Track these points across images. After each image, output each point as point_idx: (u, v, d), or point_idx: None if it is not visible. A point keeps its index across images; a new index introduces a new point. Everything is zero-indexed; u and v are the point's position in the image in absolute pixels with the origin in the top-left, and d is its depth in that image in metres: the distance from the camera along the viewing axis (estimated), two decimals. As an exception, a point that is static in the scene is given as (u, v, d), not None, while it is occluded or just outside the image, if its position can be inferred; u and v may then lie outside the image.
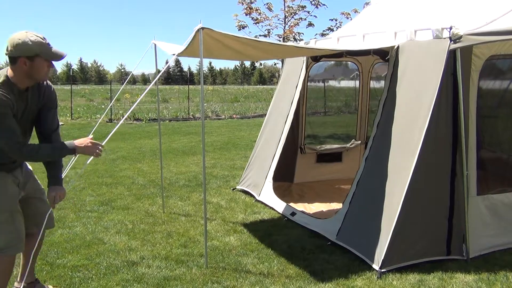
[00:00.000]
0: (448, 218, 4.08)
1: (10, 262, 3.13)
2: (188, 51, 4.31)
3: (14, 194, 3.16)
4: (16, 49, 2.80)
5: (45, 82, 3.12)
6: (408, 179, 3.84)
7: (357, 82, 7.09)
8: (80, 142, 3.07)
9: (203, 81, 4.11)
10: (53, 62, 2.95)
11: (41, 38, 2.86)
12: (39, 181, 3.41)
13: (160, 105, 7.03)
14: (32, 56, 2.82)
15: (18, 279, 3.53)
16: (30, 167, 3.37)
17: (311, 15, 14.87)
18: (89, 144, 3.06)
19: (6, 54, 2.89)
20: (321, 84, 8.55)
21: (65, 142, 3.07)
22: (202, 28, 3.70)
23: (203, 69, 4.50)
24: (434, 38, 3.97)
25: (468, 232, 4.07)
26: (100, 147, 3.11)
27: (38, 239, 3.29)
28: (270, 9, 14.67)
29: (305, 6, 14.72)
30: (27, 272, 3.40)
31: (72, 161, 3.85)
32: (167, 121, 18.48)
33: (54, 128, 3.34)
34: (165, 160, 9.00)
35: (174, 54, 4.53)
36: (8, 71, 2.90)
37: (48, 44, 2.88)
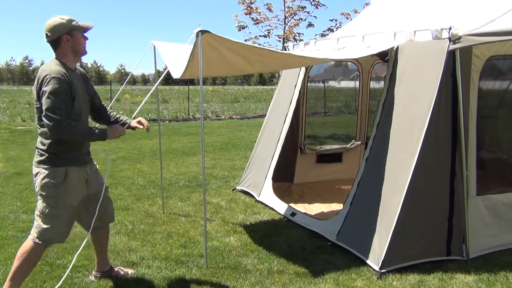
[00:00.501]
0: (448, 218, 4.08)
1: (42, 251, 3.38)
2: (188, 72, 4.26)
3: (80, 192, 3.39)
4: (55, 31, 3.19)
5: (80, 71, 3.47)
6: (408, 180, 3.85)
7: (357, 82, 7.09)
8: (110, 132, 3.38)
9: (203, 81, 4.11)
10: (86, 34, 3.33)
11: (69, 17, 3.25)
12: (102, 177, 3.68)
13: (160, 106, 7.03)
14: (70, 31, 3.22)
15: (96, 269, 3.85)
16: (96, 166, 3.64)
17: (311, 16, 14.89)
18: (115, 132, 3.40)
19: (47, 41, 3.24)
20: (321, 84, 8.55)
21: (98, 131, 3.33)
22: (202, 31, 3.67)
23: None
24: (434, 38, 3.97)
25: (468, 233, 4.07)
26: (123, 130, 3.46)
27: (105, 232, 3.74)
28: (270, 10, 14.68)
29: (305, 7, 14.73)
30: (102, 262, 3.82)
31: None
32: (167, 121, 18.48)
33: (102, 106, 3.73)
34: (165, 160, 9.00)
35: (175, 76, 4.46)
36: (55, 58, 3.25)
37: (76, 20, 3.27)
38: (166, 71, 4.57)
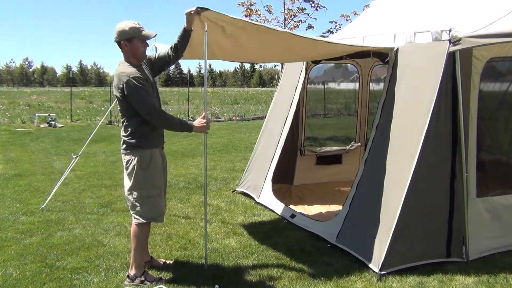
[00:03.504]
0: (448, 220, 4.07)
1: (149, 228, 3.86)
2: (190, 52, 4.18)
3: (162, 172, 3.84)
4: (117, 36, 3.58)
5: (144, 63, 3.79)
6: (407, 181, 3.84)
7: (357, 84, 7.09)
8: (196, 123, 3.80)
9: (202, 82, 4.12)
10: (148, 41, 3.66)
11: (135, 24, 3.58)
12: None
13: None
14: (129, 38, 3.57)
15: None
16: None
17: (310, 18, 14.93)
18: (203, 124, 3.80)
19: (115, 41, 3.64)
20: (320, 86, 8.55)
21: (186, 123, 3.78)
22: (200, 8, 3.62)
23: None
24: (434, 40, 3.97)
25: (468, 234, 4.07)
26: (209, 126, 3.87)
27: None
28: (270, 11, 14.71)
29: (304, 9, 14.77)
30: (146, 252, 4.03)
31: (72, 163, 3.86)
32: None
33: (166, 59, 3.98)
34: (165, 162, 9.00)
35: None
36: (123, 60, 3.64)
37: (141, 28, 3.59)
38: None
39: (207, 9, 3.64)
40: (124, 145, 3.66)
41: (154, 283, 3.72)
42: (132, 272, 3.75)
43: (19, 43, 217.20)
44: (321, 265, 4.11)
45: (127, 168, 3.66)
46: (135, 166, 3.62)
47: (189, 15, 3.70)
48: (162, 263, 4.11)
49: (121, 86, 3.47)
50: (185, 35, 3.80)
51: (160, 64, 3.94)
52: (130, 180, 3.65)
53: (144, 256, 3.94)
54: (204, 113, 3.86)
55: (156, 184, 3.72)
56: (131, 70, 3.51)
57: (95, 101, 34.22)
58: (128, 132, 3.62)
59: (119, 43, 3.60)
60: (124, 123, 3.66)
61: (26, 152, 10.56)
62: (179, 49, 3.86)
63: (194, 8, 3.66)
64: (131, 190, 3.67)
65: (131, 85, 3.44)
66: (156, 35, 3.66)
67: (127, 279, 3.75)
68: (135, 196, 3.67)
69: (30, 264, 4.11)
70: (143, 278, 3.72)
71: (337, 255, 4.29)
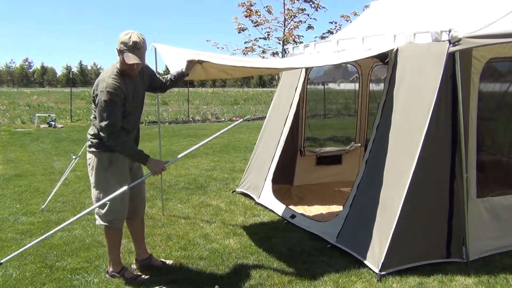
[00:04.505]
0: (448, 220, 4.07)
1: (115, 231, 3.82)
2: (195, 75, 4.45)
3: (127, 177, 3.78)
4: (117, 43, 3.49)
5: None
6: (407, 182, 3.84)
7: (357, 84, 7.09)
8: (152, 162, 3.71)
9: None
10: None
11: (132, 40, 3.44)
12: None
13: (159, 108, 7.03)
14: (119, 50, 3.49)
15: (135, 258, 4.15)
16: None
17: (310, 18, 14.93)
18: (160, 167, 3.73)
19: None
20: (320, 86, 8.55)
21: (145, 154, 3.68)
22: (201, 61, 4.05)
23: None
24: (433, 40, 3.97)
25: (468, 235, 4.07)
26: (165, 169, 3.79)
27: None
28: (270, 12, 14.71)
29: (304, 9, 14.77)
30: (139, 250, 4.12)
31: (72, 163, 3.86)
32: (167, 123, 18.49)
33: (163, 82, 4.14)
34: (165, 162, 8.99)
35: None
36: (116, 64, 3.58)
37: (133, 47, 3.44)
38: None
39: (207, 61, 4.10)
40: (89, 143, 3.71)
41: (132, 280, 3.79)
42: (110, 268, 3.89)
43: (19, 43, 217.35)
44: (321, 266, 4.11)
45: (88, 166, 3.74)
46: (94, 166, 3.67)
47: (190, 63, 4.10)
48: (161, 262, 4.14)
49: (96, 92, 3.51)
50: (181, 77, 4.17)
51: (157, 85, 4.10)
52: (91, 179, 3.73)
53: (142, 254, 4.11)
54: (166, 164, 3.83)
55: (115, 187, 3.64)
56: (112, 82, 3.46)
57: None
58: (93, 132, 3.66)
59: (116, 50, 3.56)
60: (92, 122, 3.69)
61: (26, 152, 10.56)
62: (172, 84, 4.16)
63: (196, 59, 4.07)
64: (91, 189, 3.75)
65: (103, 97, 3.43)
66: (139, 63, 3.50)
67: (107, 274, 3.89)
68: (93, 196, 3.75)
69: (30, 265, 4.11)
70: (119, 276, 3.86)
71: (337, 256, 4.29)
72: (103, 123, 3.45)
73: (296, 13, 14.72)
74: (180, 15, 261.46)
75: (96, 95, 3.51)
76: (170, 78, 4.15)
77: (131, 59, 3.44)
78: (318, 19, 14.92)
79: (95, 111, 3.59)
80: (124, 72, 3.56)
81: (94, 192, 3.73)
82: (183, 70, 4.13)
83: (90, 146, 3.72)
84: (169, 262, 4.19)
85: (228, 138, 13.46)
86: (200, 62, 4.13)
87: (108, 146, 3.57)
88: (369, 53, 4.42)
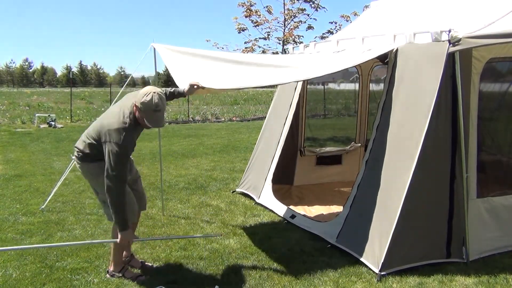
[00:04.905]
0: (448, 220, 4.07)
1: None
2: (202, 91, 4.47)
3: (132, 177, 3.88)
4: (137, 100, 3.47)
5: None
6: (407, 182, 3.84)
7: (357, 84, 7.09)
8: (127, 234, 3.64)
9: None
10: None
11: (154, 102, 3.45)
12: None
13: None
14: (138, 108, 3.48)
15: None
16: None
17: (310, 18, 14.95)
18: (127, 240, 3.69)
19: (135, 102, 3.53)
20: (320, 86, 8.56)
21: (126, 222, 3.62)
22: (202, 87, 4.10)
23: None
24: (433, 41, 3.97)
25: (468, 235, 4.07)
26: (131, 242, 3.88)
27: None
28: (270, 12, 14.73)
29: (304, 9, 14.78)
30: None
31: (72, 163, 3.87)
32: (167, 123, 18.49)
33: None
34: (165, 162, 9.00)
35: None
36: (130, 112, 3.54)
37: (155, 110, 3.47)
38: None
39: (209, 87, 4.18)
40: (80, 156, 3.69)
41: (132, 280, 3.80)
42: (111, 268, 3.90)
43: (19, 44, 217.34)
44: (321, 266, 4.11)
45: (88, 174, 3.75)
46: (96, 170, 3.63)
47: (192, 88, 4.14)
48: (141, 264, 4.11)
49: (103, 141, 3.47)
50: (180, 96, 4.23)
51: None
52: (96, 183, 3.73)
53: (126, 251, 4.10)
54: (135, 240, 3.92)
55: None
56: (125, 136, 3.45)
57: (95, 101, 34.21)
58: (88, 151, 3.63)
59: (135, 107, 3.52)
60: (86, 142, 3.64)
61: (26, 152, 10.56)
62: (169, 99, 4.17)
63: (200, 85, 4.12)
64: (100, 192, 3.73)
65: (115, 149, 3.42)
66: (162, 126, 3.64)
67: (107, 274, 3.89)
68: (99, 197, 3.80)
69: (30, 265, 4.11)
70: (120, 275, 3.85)
71: (337, 256, 4.29)
72: (112, 174, 3.43)
73: (296, 13, 14.74)
74: (180, 15, 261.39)
75: (103, 143, 3.47)
76: (170, 92, 4.15)
77: (152, 122, 3.51)
78: (318, 19, 14.97)
79: (92, 140, 3.59)
80: (136, 122, 3.57)
81: (100, 195, 3.74)
82: (185, 91, 4.17)
83: (83, 159, 3.68)
84: (150, 264, 4.14)
85: (228, 138, 13.46)
86: (203, 87, 4.16)
87: (95, 157, 3.60)
88: (369, 55, 4.41)
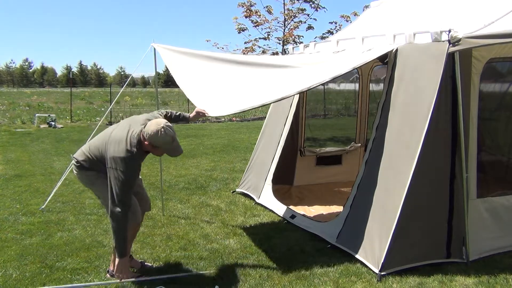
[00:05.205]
0: (448, 221, 4.07)
1: (131, 229, 3.79)
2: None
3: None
4: (148, 137, 3.49)
5: None
6: (407, 182, 3.84)
7: (357, 85, 7.09)
8: (124, 261, 3.69)
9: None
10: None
11: (170, 136, 3.51)
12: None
13: (160, 108, 7.02)
14: (154, 145, 3.54)
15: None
16: None
17: (310, 18, 14.93)
18: (124, 274, 3.71)
19: (139, 134, 3.55)
20: (320, 86, 8.53)
21: (126, 251, 3.70)
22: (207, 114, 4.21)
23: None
24: (433, 41, 3.97)
25: (468, 235, 4.07)
26: (126, 277, 3.76)
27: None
28: (270, 12, 14.71)
29: (304, 9, 14.77)
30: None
31: (71, 164, 3.87)
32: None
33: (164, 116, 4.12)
34: (165, 162, 9.00)
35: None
36: (137, 141, 3.54)
37: (172, 142, 3.55)
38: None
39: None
40: (78, 165, 3.73)
41: (132, 280, 3.78)
42: (111, 268, 3.90)
43: (19, 44, 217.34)
44: (321, 266, 4.10)
45: (85, 181, 3.81)
46: (93, 177, 3.71)
47: (198, 115, 4.23)
48: (141, 264, 4.10)
49: (109, 167, 3.49)
50: (184, 120, 4.33)
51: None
52: (94, 189, 3.81)
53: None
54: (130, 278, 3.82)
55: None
56: (133, 164, 3.53)
57: (95, 101, 34.22)
58: (86, 165, 3.69)
59: (143, 138, 3.54)
60: (87, 156, 3.68)
61: (26, 152, 10.56)
62: (171, 122, 4.04)
63: (207, 114, 4.18)
64: (100, 196, 3.81)
65: (122, 176, 3.45)
66: (182, 152, 3.73)
67: (108, 274, 3.89)
68: (98, 196, 3.87)
69: (30, 265, 4.11)
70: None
71: (337, 256, 4.29)
72: (118, 200, 3.47)
73: (296, 13, 14.73)
74: (180, 15, 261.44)
75: (109, 167, 3.49)
76: (175, 115, 4.21)
77: (173, 152, 3.64)
78: (318, 19, 14.91)
79: (94, 157, 3.65)
80: (143, 150, 3.61)
81: (103, 196, 3.73)
82: (190, 116, 4.26)
83: (80, 167, 3.73)
84: (150, 264, 4.15)
85: (228, 138, 13.46)
86: (209, 116, 4.26)
87: (95, 167, 3.66)
88: (369, 57, 4.40)
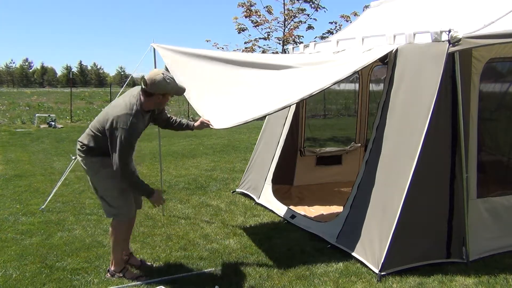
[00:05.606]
0: (448, 221, 4.07)
1: (127, 226, 3.92)
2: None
3: None
4: (154, 87, 3.56)
5: None
6: (408, 182, 3.84)
7: (357, 85, 7.09)
8: (156, 195, 3.78)
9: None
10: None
11: (172, 78, 3.63)
12: None
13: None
14: (166, 93, 3.65)
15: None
16: None
17: (310, 18, 14.94)
18: (160, 199, 3.83)
19: (143, 88, 3.61)
20: (320, 86, 8.52)
21: (149, 188, 3.76)
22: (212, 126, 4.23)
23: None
24: (433, 41, 3.97)
25: (468, 235, 4.07)
26: (163, 201, 3.93)
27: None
28: (270, 12, 14.71)
29: (305, 9, 14.77)
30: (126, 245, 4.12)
31: (72, 164, 3.88)
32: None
33: (167, 118, 4.24)
34: (165, 163, 9.00)
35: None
36: (142, 98, 3.63)
37: (177, 84, 3.67)
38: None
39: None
40: (83, 149, 3.74)
41: (133, 280, 3.80)
42: (112, 268, 3.90)
43: (19, 44, 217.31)
44: (321, 266, 4.11)
45: (90, 169, 3.76)
46: (97, 165, 3.71)
47: (202, 125, 4.26)
48: (140, 262, 4.15)
49: (108, 128, 3.51)
50: (187, 128, 4.34)
51: (161, 119, 4.18)
52: (96, 179, 3.78)
53: (125, 250, 4.11)
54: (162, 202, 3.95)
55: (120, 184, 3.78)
56: (133, 122, 3.53)
57: (95, 101, 34.21)
58: (91, 145, 3.69)
59: (149, 93, 3.60)
60: (89, 136, 3.71)
61: (26, 152, 10.56)
62: (173, 126, 4.30)
63: (211, 125, 4.22)
64: (99, 188, 3.79)
65: (123, 135, 3.47)
66: (183, 92, 3.81)
67: (108, 273, 3.90)
68: (98, 192, 3.81)
69: (30, 265, 4.11)
70: (121, 275, 3.85)
71: (337, 256, 4.29)
72: (121, 161, 3.50)
73: (296, 13, 14.73)
74: (180, 15, 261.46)
75: (108, 129, 3.51)
76: (175, 121, 4.27)
77: (182, 89, 3.73)
78: (318, 19, 14.92)
79: (95, 132, 3.66)
80: (144, 109, 3.66)
81: (104, 191, 3.78)
82: (194, 125, 4.29)
83: (87, 152, 3.73)
84: (149, 263, 4.18)
85: (228, 138, 13.46)
86: (212, 126, 4.26)
87: (98, 150, 3.67)
88: (369, 58, 4.39)
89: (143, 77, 3.63)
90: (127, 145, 3.51)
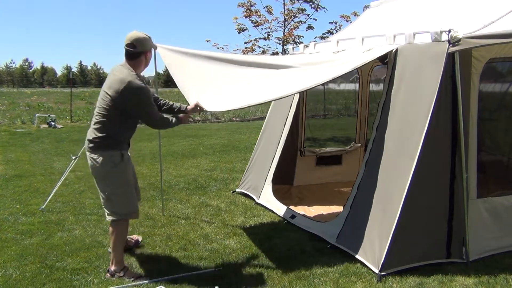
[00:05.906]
0: (448, 221, 4.07)
1: (126, 225, 4.01)
2: None
3: (132, 171, 4.00)
4: (142, 46, 3.72)
5: None
6: (408, 182, 3.84)
7: (357, 85, 7.09)
8: (184, 118, 4.13)
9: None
10: None
11: (147, 35, 3.83)
12: None
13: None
14: (150, 49, 3.86)
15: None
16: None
17: (310, 18, 14.92)
18: (186, 118, 4.14)
19: (131, 52, 3.70)
20: (320, 86, 8.53)
21: (177, 117, 4.06)
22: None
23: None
24: (433, 41, 3.97)
25: (468, 235, 4.07)
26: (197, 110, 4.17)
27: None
28: (270, 12, 14.70)
29: (305, 9, 14.76)
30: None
31: (72, 164, 3.88)
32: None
33: (159, 104, 4.28)
34: (165, 163, 9.00)
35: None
36: (129, 67, 3.72)
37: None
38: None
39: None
40: (92, 145, 3.76)
41: (133, 280, 3.80)
42: (112, 267, 3.91)
43: (19, 44, 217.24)
44: (321, 266, 4.11)
45: (99, 166, 3.76)
46: (107, 164, 3.74)
47: (195, 108, 4.17)
48: (132, 241, 4.43)
49: (126, 94, 3.58)
50: (178, 112, 4.28)
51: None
52: (103, 178, 3.82)
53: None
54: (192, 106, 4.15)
55: (129, 181, 3.90)
56: (140, 84, 3.64)
57: (95, 101, 34.07)
58: (101, 134, 3.72)
59: (138, 53, 3.74)
60: (97, 125, 3.74)
61: (26, 152, 10.56)
62: (165, 110, 4.30)
63: (204, 108, 4.18)
64: (104, 187, 3.82)
65: (142, 94, 3.63)
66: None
67: (108, 273, 3.90)
68: (107, 193, 3.81)
69: (30, 265, 4.11)
70: (122, 274, 3.86)
71: (337, 256, 4.29)
72: (155, 117, 3.78)
73: (296, 13, 14.71)
74: (180, 15, 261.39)
75: (125, 96, 3.59)
76: (167, 104, 4.30)
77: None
78: (318, 19, 14.87)
79: (103, 114, 3.69)
80: (138, 76, 3.76)
81: (109, 190, 3.80)
82: (187, 108, 4.24)
83: (97, 148, 3.74)
84: (138, 238, 4.52)
85: (228, 138, 13.47)
86: (206, 110, 4.29)
87: (119, 145, 3.76)
88: (369, 57, 4.39)
89: (127, 43, 3.70)
90: (150, 101, 3.72)
